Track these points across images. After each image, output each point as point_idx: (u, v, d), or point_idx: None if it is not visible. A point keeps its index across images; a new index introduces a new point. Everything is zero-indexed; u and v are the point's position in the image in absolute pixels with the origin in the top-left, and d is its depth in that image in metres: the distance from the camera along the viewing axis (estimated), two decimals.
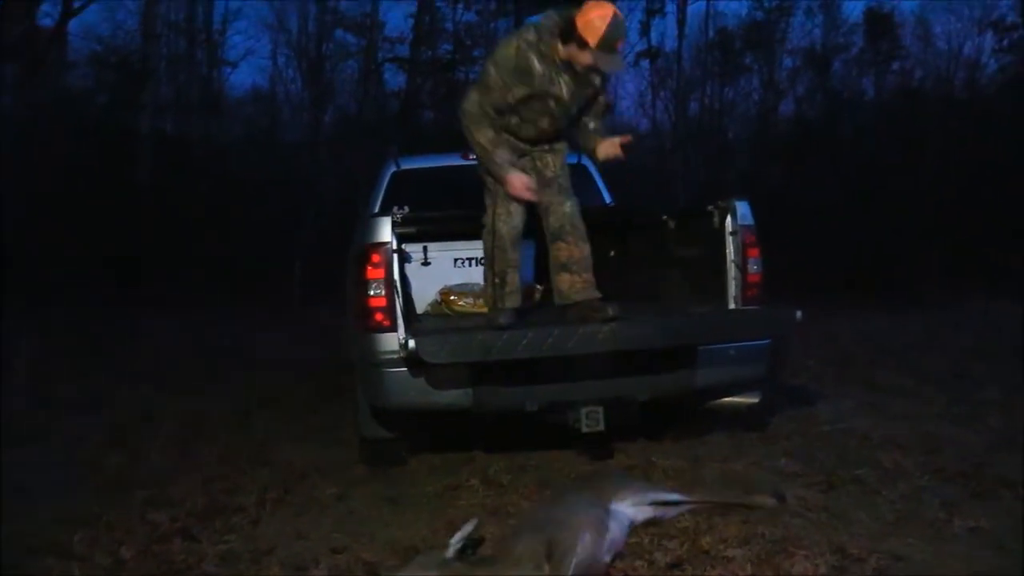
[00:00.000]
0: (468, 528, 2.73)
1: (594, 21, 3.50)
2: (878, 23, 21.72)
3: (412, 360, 3.45)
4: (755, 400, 4.17)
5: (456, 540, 2.67)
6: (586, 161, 5.74)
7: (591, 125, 3.95)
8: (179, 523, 3.45)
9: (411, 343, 3.35)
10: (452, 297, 4.35)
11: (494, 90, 3.69)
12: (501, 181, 3.73)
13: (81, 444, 5.07)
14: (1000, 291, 11.81)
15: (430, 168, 5.63)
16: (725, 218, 4.02)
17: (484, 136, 3.71)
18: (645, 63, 22.85)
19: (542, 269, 4.55)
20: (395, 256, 3.63)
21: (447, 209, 4.77)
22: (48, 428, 5.47)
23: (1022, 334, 7.91)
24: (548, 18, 3.66)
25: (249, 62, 34.19)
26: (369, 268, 3.61)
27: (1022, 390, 5.30)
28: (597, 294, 3.87)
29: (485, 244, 3.90)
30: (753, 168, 20.75)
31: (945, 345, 7.86)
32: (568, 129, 3.97)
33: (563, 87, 3.71)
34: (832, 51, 22.21)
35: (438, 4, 20.76)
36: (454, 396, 3.63)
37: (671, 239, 4.53)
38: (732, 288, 3.99)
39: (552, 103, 3.75)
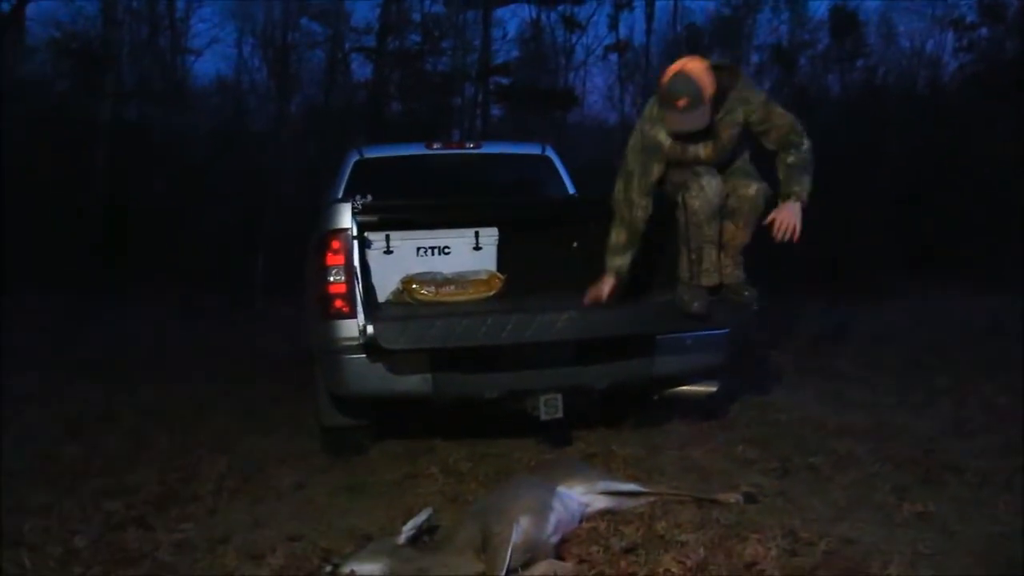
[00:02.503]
0: (422, 516, 2.75)
1: (661, 82, 3.46)
2: (843, 20, 21.99)
3: (371, 346, 3.44)
4: (713, 388, 4.21)
5: (409, 527, 2.69)
6: (550, 152, 5.77)
7: (781, 171, 3.71)
8: (134, 511, 3.42)
9: (370, 329, 3.34)
10: (414, 286, 4.32)
11: (634, 176, 3.65)
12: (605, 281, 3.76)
13: (37, 435, 4.99)
14: (961, 283, 12.06)
15: (394, 157, 5.60)
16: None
17: (618, 237, 3.74)
18: (613, 57, 22.96)
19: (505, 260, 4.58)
20: (355, 243, 3.61)
21: (410, 198, 4.76)
22: (3, 419, 5.37)
23: (978, 325, 8.10)
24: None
25: (213, 50, 33.77)
26: (329, 254, 3.59)
27: (974, 378, 5.43)
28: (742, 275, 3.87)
29: (677, 221, 3.77)
30: None
31: (904, 336, 8.00)
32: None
33: (700, 148, 3.60)
34: (798, 48, 22.46)
35: None
36: (414, 383, 3.63)
37: None
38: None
39: (691, 161, 3.63)
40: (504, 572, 2.47)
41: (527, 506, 2.70)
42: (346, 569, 2.58)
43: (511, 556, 2.50)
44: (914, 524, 2.98)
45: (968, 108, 18.13)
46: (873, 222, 16.34)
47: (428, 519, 2.78)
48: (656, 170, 3.65)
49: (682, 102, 3.35)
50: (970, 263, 13.48)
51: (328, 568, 2.65)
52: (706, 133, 3.52)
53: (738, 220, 3.74)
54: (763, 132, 3.64)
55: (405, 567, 2.57)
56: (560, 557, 2.68)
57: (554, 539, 2.71)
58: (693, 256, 3.71)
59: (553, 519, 2.72)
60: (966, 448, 3.91)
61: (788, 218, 3.54)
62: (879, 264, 14.88)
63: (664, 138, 3.58)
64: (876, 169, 17.54)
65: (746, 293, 3.82)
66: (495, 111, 22.93)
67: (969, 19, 20.36)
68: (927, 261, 14.82)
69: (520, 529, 2.58)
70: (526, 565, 2.55)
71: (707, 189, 3.57)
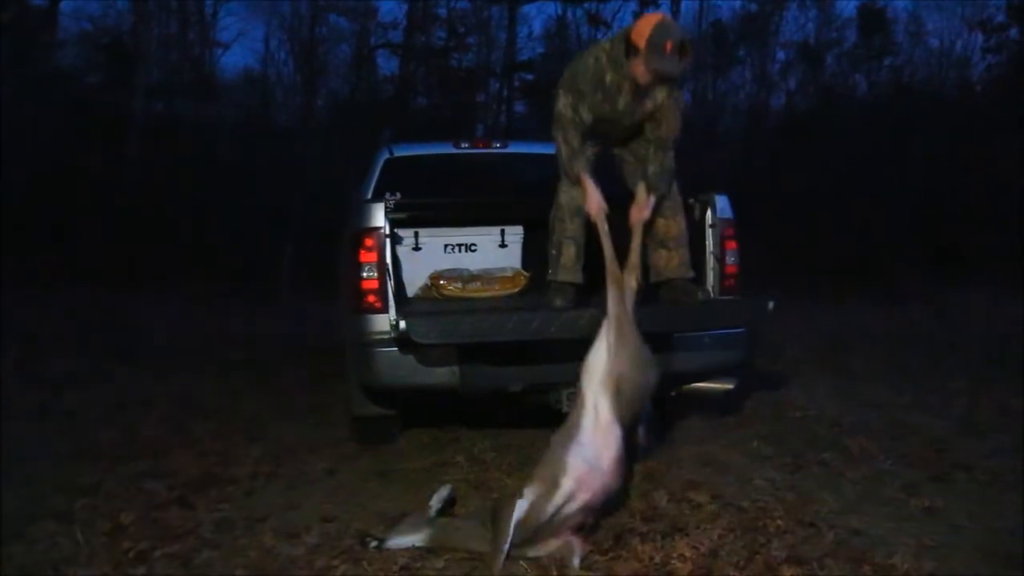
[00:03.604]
0: (444, 492, 3.07)
1: (642, 27, 3.49)
2: (871, 19, 21.92)
3: (402, 340, 3.58)
4: (731, 385, 4.31)
5: (435, 501, 3.00)
6: None
7: (650, 169, 3.75)
8: (176, 492, 3.60)
9: (402, 324, 3.48)
10: (442, 281, 4.48)
11: (584, 97, 3.66)
12: (584, 190, 3.66)
13: (76, 420, 5.19)
14: (982, 285, 12.05)
15: (423, 155, 5.74)
16: (705, 211, 4.18)
17: (569, 143, 3.67)
18: None
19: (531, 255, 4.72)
20: (387, 241, 3.76)
21: (439, 196, 4.91)
22: (44, 404, 5.58)
23: (997, 326, 8.15)
24: (617, 34, 3.70)
25: (241, 44, 34.22)
26: (362, 252, 3.73)
27: (988, 380, 5.52)
28: (690, 273, 3.95)
29: (550, 215, 3.90)
30: (743, 161, 20.92)
31: (922, 336, 8.08)
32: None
33: (621, 100, 3.65)
34: (825, 46, 22.39)
35: None
36: (442, 375, 3.76)
37: None
38: (710, 278, 4.15)
39: (608, 112, 3.69)
40: (505, 547, 2.67)
41: (540, 476, 2.79)
42: (391, 543, 2.84)
43: (513, 533, 2.68)
44: (921, 518, 3.10)
45: (995, 109, 18.03)
46: (896, 222, 16.32)
47: (450, 493, 3.11)
48: (597, 101, 3.65)
49: (671, 44, 3.44)
50: (992, 265, 13.45)
51: (374, 543, 2.87)
52: (636, 93, 3.63)
53: (664, 212, 3.85)
54: (656, 121, 3.75)
55: (440, 536, 2.85)
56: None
57: (572, 506, 2.75)
58: (554, 252, 3.85)
59: (566, 488, 2.75)
60: (977, 448, 4.02)
61: (648, 211, 3.66)
62: (900, 264, 14.87)
63: (610, 75, 3.60)
64: (900, 169, 17.50)
65: (699, 295, 3.93)
66: (519, 107, 23.08)
67: (997, 19, 20.21)
68: (949, 261, 14.80)
69: (524, 505, 2.71)
70: (531, 541, 2.70)
71: (575, 189, 3.72)
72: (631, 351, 2.99)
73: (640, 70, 3.52)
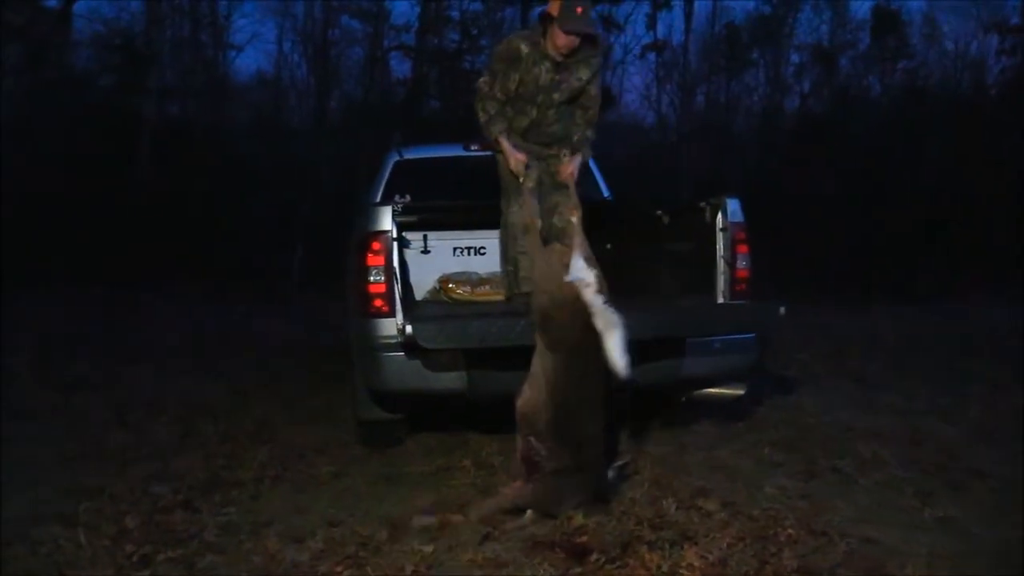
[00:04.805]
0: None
1: (553, 2, 3.83)
2: (885, 21, 21.75)
3: (410, 345, 3.56)
4: (741, 391, 4.28)
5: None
6: None
7: (575, 136, 4.16)
8: (181, 495, 3.58)
9: (409, 328, 3.45)
10: (451, 285, 4.46)
11: (497, 76, 4.02)
12: (503, 151, 4.07)
13: (84, 422, 5.18)
14: (997, 288, 11.94)
15: (432, 158, 5.72)
16: (716, 215, 4.14)
17: (486, 111, 4.08)
18: (651, 56, 22.97)
19: None
20: (395, 244, 3.73)
21: (448, 199, 4.89)
22: (51, 406, 5.57)
23: (1013, 332, 8.06)
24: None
25: (254, 46, 34.32)
26: (370, 255, 3.71)
27: (1005, 386, 5.44)
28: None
29: (501, 236, 4.23)
30: (757, 163, 20.82)
31: (938, 342, 7.99)
32: (567, 125, 4.15)
33: (543, 72, 3.97)
34: (839, 48, 22.25)
35: None
36: (449, 380, 3.74)
37: (664, 234, 4.64)
38: (721, 282, 4.11)
39: (533, 88, 4.01)
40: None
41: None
42: None
43: None
44: (935, 527, 3.06)
45: (1010, 112, 17.87)
46: (912, 226, 16.19)
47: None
48: (513, 80, 4.01)
49: (581, 8, 3.82)
50: (1008, 268, 13.33)
51: None
52: (559, 70, 3.99)
53: (565, 240, 3.90)
54: (584, 107, 4.16)
55: None
56: (578, 543, 2.81)
57: None
58: (510, 267, 4.14)
59: None
60: (992, 455, 3.96)
61: (575, 168, 4.11)
62: (914, 267, 14.76)
63: (525, 49, 3.94)
64: (914, 171, 17.36)
65: None
66: None
67: (1013, 21, 20.03)
68: (963, 266, 14.67)
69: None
70: None
71: (524, 208, 4.03)
72: (553, 280, 3.26)
73: (558, 37, 3.85)
